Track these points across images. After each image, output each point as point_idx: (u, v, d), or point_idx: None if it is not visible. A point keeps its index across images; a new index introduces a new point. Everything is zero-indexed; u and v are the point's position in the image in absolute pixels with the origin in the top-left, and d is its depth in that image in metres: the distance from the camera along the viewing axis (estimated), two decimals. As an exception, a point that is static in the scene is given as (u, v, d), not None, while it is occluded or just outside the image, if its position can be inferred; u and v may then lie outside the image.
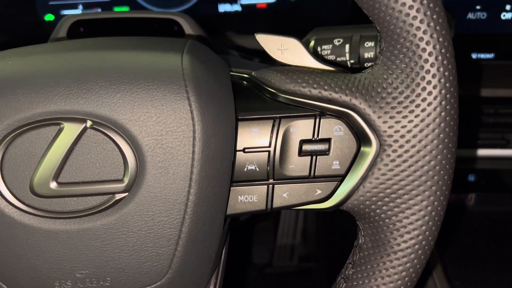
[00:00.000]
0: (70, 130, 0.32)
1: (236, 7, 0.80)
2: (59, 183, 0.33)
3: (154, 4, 0.79)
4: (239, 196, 0.36)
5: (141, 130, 0.32)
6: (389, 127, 0.34)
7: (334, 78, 0.35)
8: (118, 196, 0.33)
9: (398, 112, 0.33)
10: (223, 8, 0.80)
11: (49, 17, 0.79)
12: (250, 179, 0.36)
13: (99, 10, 0.79)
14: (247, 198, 0.36)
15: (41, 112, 0.32)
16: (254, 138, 0.35)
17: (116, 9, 0.79)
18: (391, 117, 0.33)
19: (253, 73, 0.38)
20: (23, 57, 0.34)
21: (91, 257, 0.34)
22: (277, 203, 0.37)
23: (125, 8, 0.79)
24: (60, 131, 0.32)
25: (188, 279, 0.36)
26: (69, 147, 0.32)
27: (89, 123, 0.32)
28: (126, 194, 0.33)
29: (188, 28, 0.50)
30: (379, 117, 0.34)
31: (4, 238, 0.33)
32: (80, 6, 0.79)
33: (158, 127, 0.32)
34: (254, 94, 0.37)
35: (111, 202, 0.33)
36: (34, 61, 0.34)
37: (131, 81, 0.32)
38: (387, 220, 0.36)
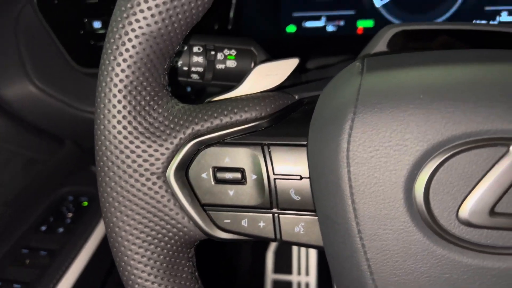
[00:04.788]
0: None
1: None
2: (494, 213, 0.28)
3: (400, 18, 0.75)
4: None
5: None
6: None
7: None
8: None
9: None
10: (476, 24, 0.73)
11: (291, 28, 0.79)
12: None
13: (342, 23, 0.78)
14: None
15: (488, 130, 0.28)
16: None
17: (360, 23, 0.77)
18: None
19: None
20: (438, 66, 0.31)
21: None
22: None
23: (370, 22, 0.77)
24: (506, 153, 0.28)
25: None
26: None
27: None
28: None
29: None
30: None
31: (419, 271, 0.29)
32: (324, 18, 0.78)
33: None
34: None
35: None
36: (456, 70, 0.30)
37: None
38: None
